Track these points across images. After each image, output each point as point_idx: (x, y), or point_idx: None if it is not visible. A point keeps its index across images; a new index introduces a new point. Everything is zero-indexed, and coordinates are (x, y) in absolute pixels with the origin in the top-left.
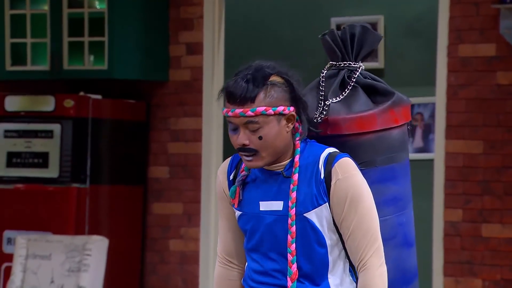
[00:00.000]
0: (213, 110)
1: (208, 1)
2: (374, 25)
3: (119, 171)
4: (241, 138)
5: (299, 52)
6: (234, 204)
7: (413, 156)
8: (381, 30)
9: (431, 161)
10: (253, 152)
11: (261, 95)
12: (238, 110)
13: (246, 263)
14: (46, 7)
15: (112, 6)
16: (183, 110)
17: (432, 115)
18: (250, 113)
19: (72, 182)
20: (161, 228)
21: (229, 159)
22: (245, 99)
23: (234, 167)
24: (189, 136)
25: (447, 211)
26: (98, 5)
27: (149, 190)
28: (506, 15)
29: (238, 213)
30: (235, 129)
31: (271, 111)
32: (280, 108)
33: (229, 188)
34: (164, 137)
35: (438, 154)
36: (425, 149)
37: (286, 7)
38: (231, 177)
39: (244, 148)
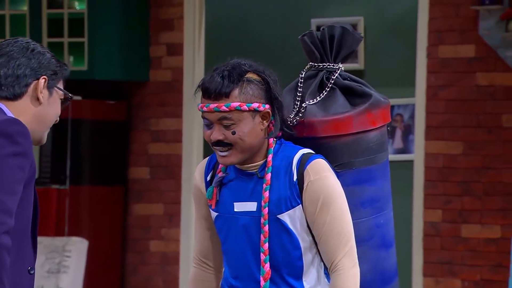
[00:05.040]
0: (194, 111)
1: (188, 2)
2: (354, 26)
3: (99, 172)
4: (216, 134)
5: (280, 53)
6: (211, 205)
7: (393, 157)
8: (361, 31)
9: (411, 162)
10: (228, 147)
11: (236, 91)
12: (213, 105)
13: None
14: (25, 8)
15: (92, 6)
16: (163, 111)
17: (412, 116)
18: (224, 108)
19: (52, 183)
20: (141, 229)
21: (206, 160)
22: (220, 94)
23: (211, 168)
24: (169, 137)
25: (427, 212)
26: (77, 6)
27: (130, 191)
28: (485, 16)
29: (214, 214)
30: (210, 125)
31: (245, 107)
32: (255, 105)
33: (206, 188)
34: (145, 137)
35: (418, 155)
36: (405, 150)
37: (267, 8)
38: (208, 178)
39: (218, 143)
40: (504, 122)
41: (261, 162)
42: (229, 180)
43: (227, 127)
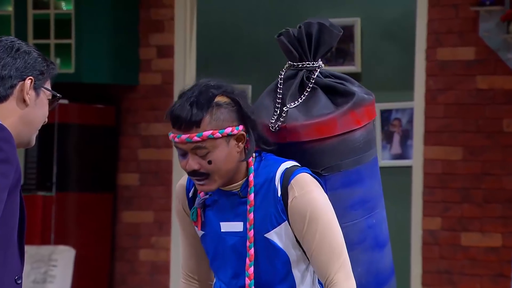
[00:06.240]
0: None
1: (179, 3)
2: (351, 28)
3: (87, 178)
4: (191, 164)
5: (274, 55)
6: (197, 226)
7: (391, 162)
8: (358, 32)
9: (409, 168)
10: (205, 176)
11: (207, 119)
12: (184, 136)
13: (214, 281)
14: (10, 8)
15: (79, 7)
16: (154, 115)
17: (410, 121)
18: (196, 138)
19: (38, 190)
20: (131, 237)
21: (186, 176)
22: (190, 124)
23: (193, 183)
24: (160, 142)
25: (425, 219)
26: (64, 6)
27: (119, 198)
28: (486, 17)
29: (200, 232)
30: (184, 155)
31: (218, 134)
32: (228, 130)
33: (189, 205)
34: (134, 143)
35: (416, 161)
36: (403, 155)
37: (261, 9)
38: (190, 194)
39: (195, 173)
40: (505, 127)
41: (242, 181)
42: (213, 201)
43: (202, 156)
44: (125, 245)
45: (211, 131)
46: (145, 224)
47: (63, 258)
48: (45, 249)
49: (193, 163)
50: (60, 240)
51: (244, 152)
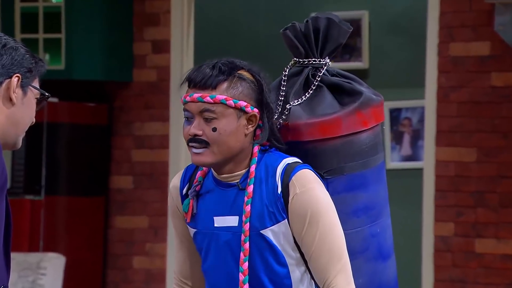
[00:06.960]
0: (182, 114)
1: None
2: (358, 22)
3: (77, 181)
4: (194, 127)
5: (276, 49)
6: (187, 218)
7: (400, 164)
8: (365, 27)
9: (420, 170)
10: (204, 145)
11: (225, 84)
12: (197, 95)
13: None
14: None
15: None
16: (148, 114)
17: (421, 120)
18: (208, 99)
19: (26, 194)
20: (124, 243)
21: (180, 173)
22: (206, 85)
23: (187, 180)
24: (155, 142)
25: (437, 225)
26: None
27: (111, 201)
28: (501, 10)
29: (192, 230)
30: (190, 119)
31: (231, 102)
32: (243, 103)
33: (183, 203)
34: (128, 143)
35: (427, 163)
36: (413, 157)
37: (261, 2)
38: (184, 191)
39: (195, 139)
40: None
41: (243, 172)
42: (207, 192)
43: (208, 121)
44: (118, 252)
45: (225, 97)
46: (139, 230)
47: (52, 266)
48: (33, 257)
49: (197, 127)
50: (49, 246)
51: (252, 138)
